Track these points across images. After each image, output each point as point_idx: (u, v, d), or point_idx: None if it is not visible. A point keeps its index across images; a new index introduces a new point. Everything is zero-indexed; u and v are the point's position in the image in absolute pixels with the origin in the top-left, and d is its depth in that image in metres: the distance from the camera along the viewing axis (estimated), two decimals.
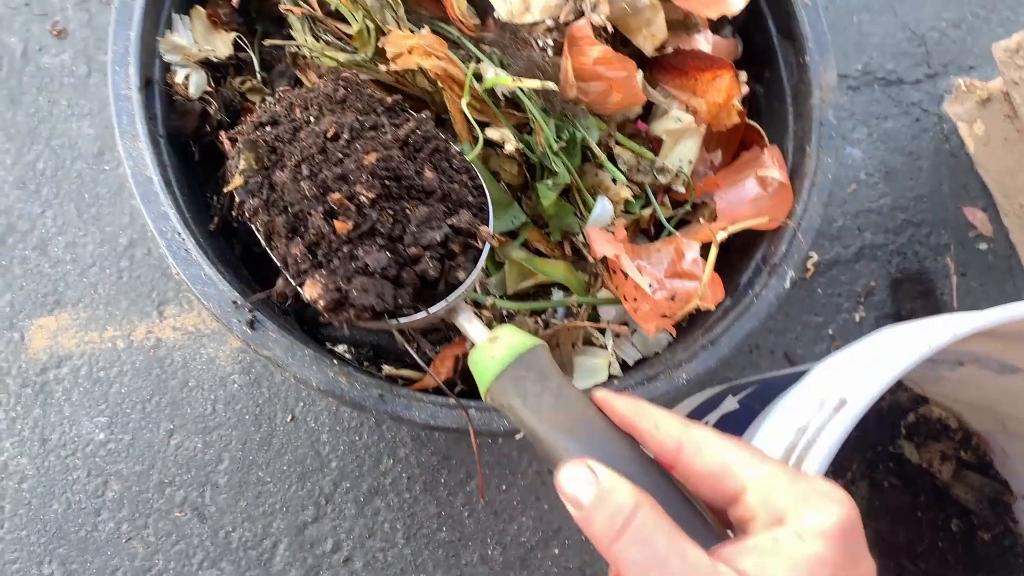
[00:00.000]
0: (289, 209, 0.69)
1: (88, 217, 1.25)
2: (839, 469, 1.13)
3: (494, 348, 0.59)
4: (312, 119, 0.72)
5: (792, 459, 0.76)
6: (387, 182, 0.68)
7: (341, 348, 0.89)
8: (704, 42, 0.88)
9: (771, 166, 0.88)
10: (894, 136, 1.45)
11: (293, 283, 0.69)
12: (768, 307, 0.83)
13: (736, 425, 0.99)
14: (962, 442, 1.16)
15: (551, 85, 0.76)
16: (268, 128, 0.73)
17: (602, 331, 0.87)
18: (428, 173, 0.70)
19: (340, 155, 0.68)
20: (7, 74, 1.28)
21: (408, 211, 0.68)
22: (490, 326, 0.66)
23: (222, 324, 0.77)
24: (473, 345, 0.64)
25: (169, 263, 0.78)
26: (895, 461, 1.15)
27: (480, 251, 0.70)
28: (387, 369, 0.88)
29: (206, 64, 0.88)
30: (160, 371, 1.22)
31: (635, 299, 0.80)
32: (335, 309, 0.66)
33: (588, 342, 0.87)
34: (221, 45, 0.89)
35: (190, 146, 0.87)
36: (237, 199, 0.71)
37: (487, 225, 0.72)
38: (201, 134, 0.86)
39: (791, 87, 0.92)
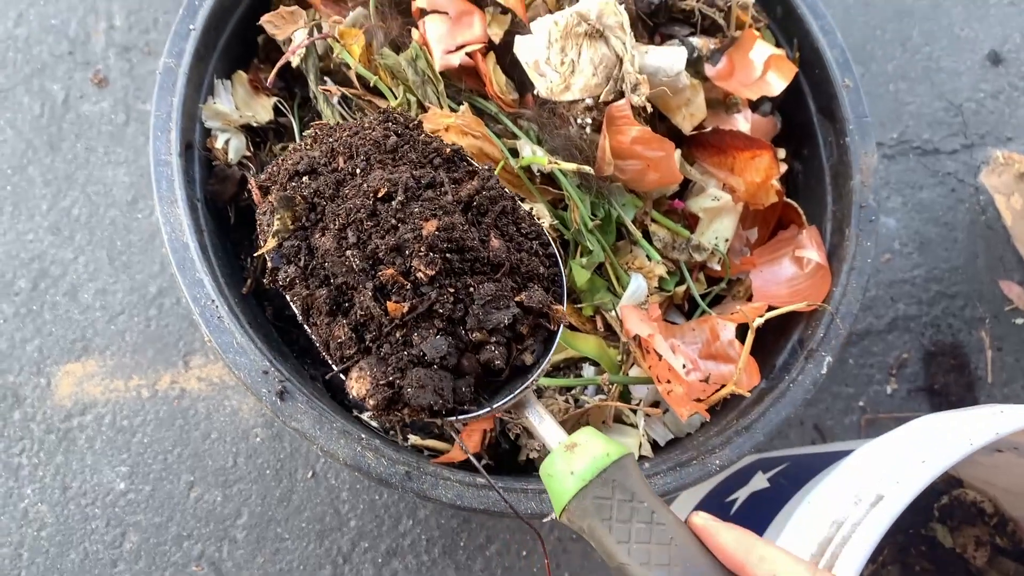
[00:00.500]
0: (331, 281, 0.61)
1: (119, 264, 1.25)
2: (872, 554, 1.10)
3: (573, 459, 0.52)
4: (358, 171, 0.64)
5: (827, 554, 0.74)
6: (448, 255, 0.58)
7: (367, 415, 0.89)
8: (743, 121, 0.88)
9: (809, 247, 0.87)
10: (929, 206, 1.43)
11: (335, 369, 0.62)
12: (804, 393, 0.81)
13: (766, 506, 0.97)
14: (998, 527, 1.13)
15: (587, 169, 0.76)
16: (306, 180, 0.64)
17: (633, 410, 0.86)
18: (495, 242, 0.61)
19: (393, 220, 0.59)
20: (48, 120, 1.29)
21: (471, 288, 0.59)
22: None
23: (252, 393, 0.77)
24: (543, 448, 0.59)
25: (202, 331, 0.78)
26: (927, 545, 1.12)
27: (552, 332, 0.63)
28: (413, 439, 0.87)
29: (246, 128, 0.89)
30: (183, 422, 1.21)
31: (668, 381, 0.79)
32: (387, 409, 0.57)
33: (618, 419, 0.86)
34: (261, 110, 0.89)
35: (226, 209, 0.88)
36: (270, 264, 0.63)
37: (561, 301, 0.64)
38: (239, 199, 0.86)
39: (830, 167, 0.91)
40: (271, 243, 0.63)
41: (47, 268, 1.24)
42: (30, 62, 1.31)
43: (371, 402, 0.57)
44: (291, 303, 0.64)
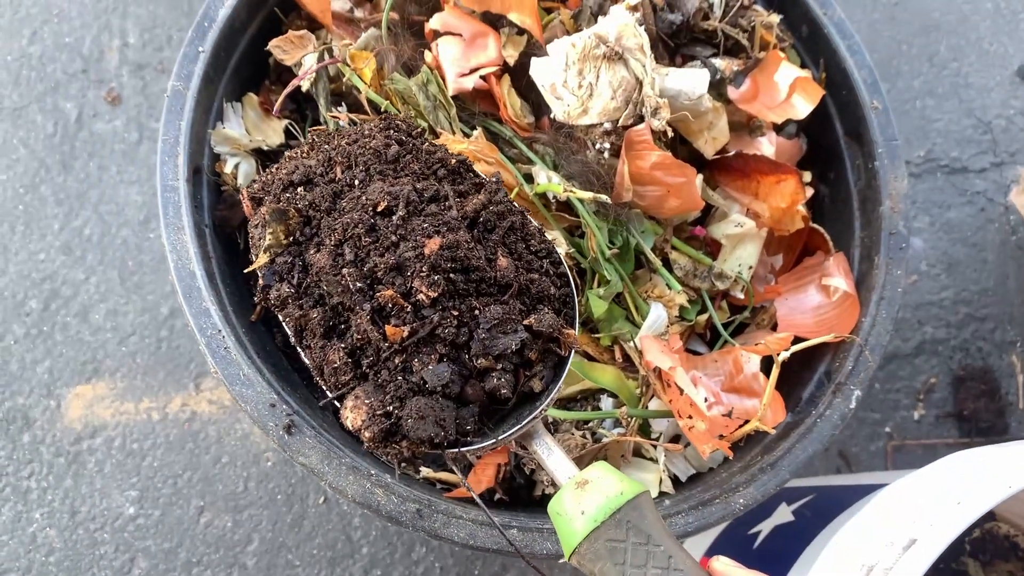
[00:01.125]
0: (326, 301, 0.58)
1: (131, 285, 1.24)
2: None
3: (584, 497, 0.49)
4: (357, 182, 0.61)
5: None
6: (452, 275, 0.55)
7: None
8: (768, 144, 0.85)
9: (836, 274, 0.84)
10: (958, 226, 1.40)
11: (330, 396, 0.59)
12: (832, 429, 0.78)
13: (792, 541, 0.94)
14: None
15: (604, 198, 0.73)
16: (301, 191, 0.61)
17: (653, 444, 0.83)
18: (502, 261, 0.58)
19: (394, 237, 0.56)
20: (60, 139, 1.28)
21: (477, 311, 0.56)
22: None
23: (258, 427, 0.74)
24: (550, 483, 0.56)
25: (208, 362, 0.76)
26: None
27: (563, 358, 0.59)
28: (425, 471, 0.85)
29: (256, 152, 0.87)
30: (193, 445, 1.20)
31: (690, 416, 0.76)
32: (384, 441, 0.54)
33: (637, 453, 0.83)
34: (272, 133, 0.87)
35: (236, 234, 0.85)
36: (261, 282, 0.60)
37: (572, 324, 0.61)
38: (246, 226, 0.84)
39: (858, 191, 0.88)
40: (262, 259, 0.60)
41: (58, 289, 1.23)
42: (44, 80, 1.30)
43: (367, 434, 0.54)
44: (283, 323, 0.61)
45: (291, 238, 0.59)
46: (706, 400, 0.77)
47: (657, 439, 0.81)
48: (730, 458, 0.80)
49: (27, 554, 1.14)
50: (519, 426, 0.56)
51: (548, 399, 0.57)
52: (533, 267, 0.61)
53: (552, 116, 0.78)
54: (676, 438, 0.83)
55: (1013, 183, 1.42)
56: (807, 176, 0.91)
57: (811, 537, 0.90)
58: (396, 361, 0.56)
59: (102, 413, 1.20)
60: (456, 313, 0.56)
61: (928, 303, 1.36)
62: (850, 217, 0.88)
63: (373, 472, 0.74)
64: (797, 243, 0.90)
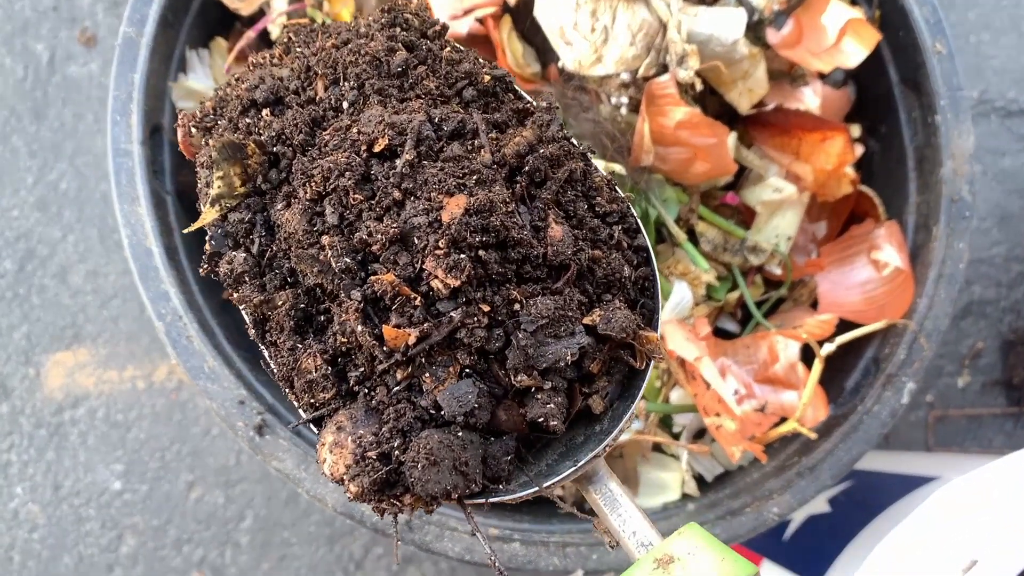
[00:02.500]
0: (299, 281, 0.42)
1: (111, 244, 1.15)
2: None
3: None
4: (345, 105, 0.43)
5: None
6: (483, 252, 0.39)
7: None
8: (812, 96, 0.73)
9: (887, 247, 0.74)
10: (1012, 175, 1.27)
11: (303, 416, 0.42)
12: (881, 427, 0.69)
13: (830, 537, 0.85)
14: None
15: (619, 168, 0.62)
16: (266, 115, 0.44)
17: (676, 436, 0.74)
18: (556, 230, 0.41)
19: (397, 193, 0.39)
20: (32, 85, 1.18)
21: (517, 306, 0.40)
22: None
23: (227, 427, 0.66)
24: (614, 547, 0.40)
25: (168, 352, 0.67)
26: None
27: (637, 372, 0.43)
28: None
29: None
30: (181, 416, 1.12)
31: (717, 414, 0.66)
32: (378, 496, 0.39)
33: (657, 447, 0.74)
34: None
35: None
36: (208, 246, 0.44)
37: (652, 322, 0.44)
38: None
39: (915, 149, 0.77)
40: (208, 214, 0.44)
41: (34, 248, 1.14)
42: (11, 19, 1.19)
43: (352, 488, 0.38)
44: (240, 308, 0.44)
45: (251, 185, 0.43)
46: (736, 393, 0.68)
47: (679, 435, 0.72)
48: (763, 462, 0.71)
49: (9, 531, 1.08)
50: (575, 468, 0.40)
51: (617, 429, 0.41)
52: (599, 237, 0.44)
53: (560, 65, 0.67)
54: (701, 432, 0.74)
55: None
56: (855, 130, 0.79)
57: (851, 534, 0.82)
58: (398, 376, 0.40)
59: (84, 382, 1.12)
60: (487, 308, 0.39)
61: (977, 260, 1.25)
62: (904, 179, 0.77)
63: None
64: (843, 209, 0.79)
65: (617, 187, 0.47)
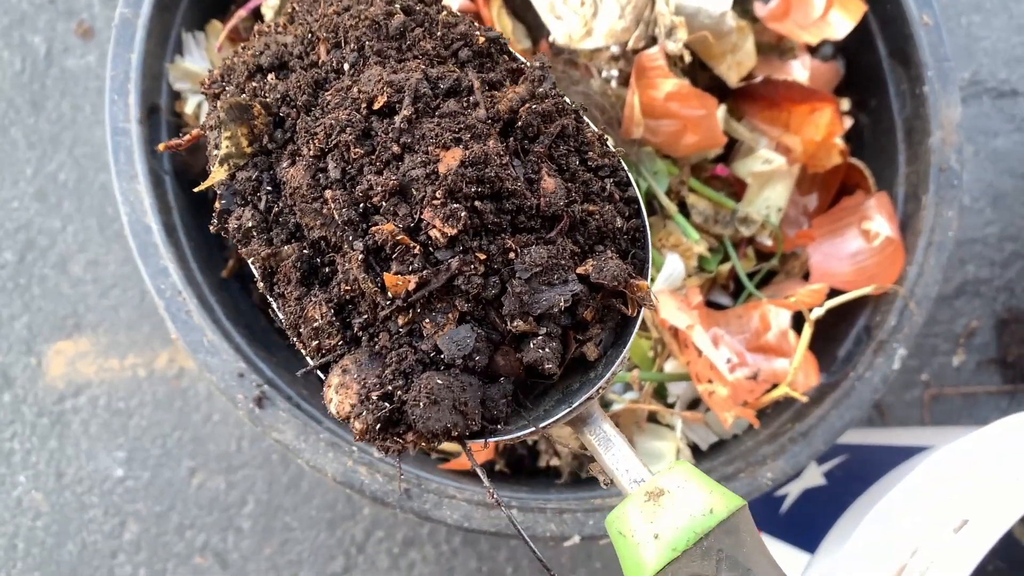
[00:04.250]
0: (304, 235, 0.44)
1: (111, 233, 1.16)
2: None
3: (659, 515, 0.37)
4: (346, 66, 0.45)
5: None
6: (479, 203, 0.41)
7: None
8: (800, 68, 0.74)
9: (878, 217, 0.74)
10: (1005, 155, 1.28)
11: (310, 363, 0.44)
12: (873, 393, 0.70)
13: (824, 508, 0.86)
14: None
15: (610, 141, 0.63)
16: (272, 79, 0.46)
17: (670, 406, 0.75)
18: (549, 182, 0.43)
19: (396, 147, 0.42)
20: (30, 77, 1.19)
21: (512, 254, 0.42)
22: None
23: (227, 399, 0.67)
24: (608, 485, 0.42)
25: (168, 327, 0.68)
26: (1001, 541, 1.00)
27: (627, 319, 0.44)
28: None
29: None
30: (183, 403, 1.13)
31: (710, 380, 0.67)
32: (381, 433, 0.41)
33: (652, 418, 0.75)
34: None
35: (200, 181, 0.77)
36: (218, 204, 0.46)
37: (643, 271, 0.45)
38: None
39: (903, 121, 0.77)
40: (218, 173, 0.45)
41: (34, 239, 1.15)
42: (8, 12, 1.20)
43: (357, 424, 0.40)
44: (250, 264, 0.46)
45: (257, 145, 0.45)
46: (728, 361, 0.68)
47: (673, 405, 0.73)
48: (756, 427, 0.72)
49: (13, 519, 1.09)
50: (569, 409, 0.42)
51: (609, 372, 0.43)
52: (591, 190, 0.46)
53: (551, 39, 0.68)
54: (696, 402, 0.74)
55: None
56: (845, 104, 0.80)
57: (845, 504, 0.83)
58: (399, 322, 0.42)
59: (85, 370, 1.13)
60: (483, 257, 0.41)
61: (971, 240, 1.25)
62: (894, 151, 0.78)
63: (356, 448, 0.66)
64: (833, 181, 0.79)
65: (608, 141, 0.48)
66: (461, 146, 0.41)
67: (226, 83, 0.48)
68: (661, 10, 0.64)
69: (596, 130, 0.47)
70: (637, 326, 0.44)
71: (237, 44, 0.75)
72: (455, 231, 0.40)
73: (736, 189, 0.77)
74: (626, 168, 0.47)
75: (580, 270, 0.42)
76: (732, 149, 0.78)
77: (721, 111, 0.72)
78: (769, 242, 0.76)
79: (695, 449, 0.74)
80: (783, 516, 0.92)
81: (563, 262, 0.42)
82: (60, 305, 1.14)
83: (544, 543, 1.03)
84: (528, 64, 0.47)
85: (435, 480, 0.66)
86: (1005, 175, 1.28)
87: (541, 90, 0.45)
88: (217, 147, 0.45)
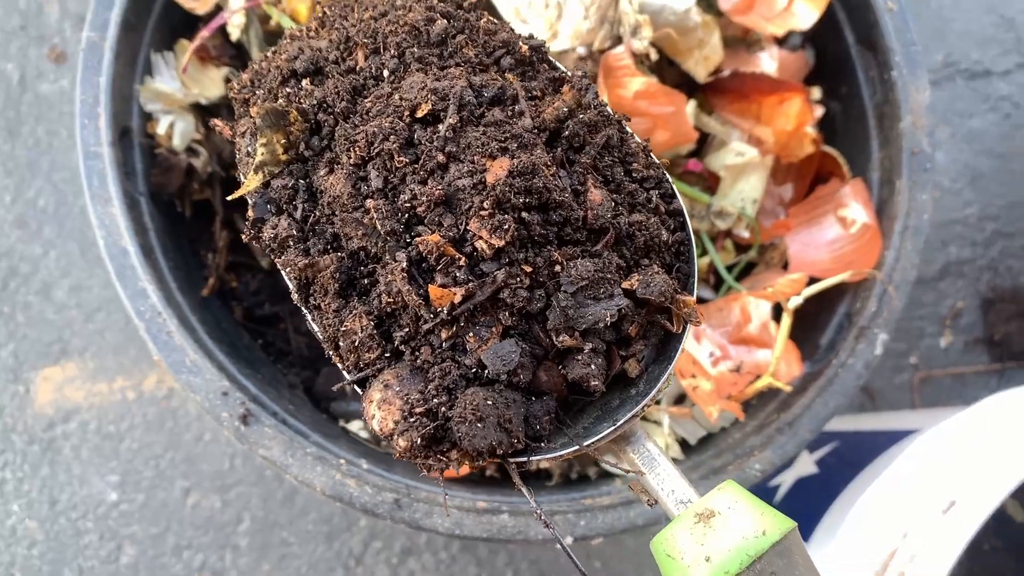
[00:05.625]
0: (344, 245, 0.43)
1: (92, 257, 1.15)
2: None
3: (709, 538, 0.36)
4: (387, 73, 0.44)
5: (892, 572, 0.63)
6: (526, 214, 0.40)
7: (356, 425, 0.78)
8: (768, 60, 0.74)
9: (853, 204, 0.75)
10: (981, 136, 1.28)
11: (347, 379, 0.43)
12: (856, 379, 0.70)
13: (816, 495, 0.86)
14: None
15: None
16: (307, 85, 0.45)
17: (657, 402, 0.75)
18: (595, 194, 0.42)
19: (441, 156, 0.41)
20: (4, 104, 1.18)
21: (559, 267, 0.41)
22: None
23: (212, 418, 0.67)
24: (652, 505, 0.41)
25: (149, 348, 0.68)
26: (996, 520, 1.00)
27: (672, 336, 0.43)
28: None
29: (195, 108, 0.77)
30: (173, 423, 1.13)
31: (693, 375, 0.67)
32: (425, 451, 0.40)
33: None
34: (211, 84, 0.77)
35: (177, 202, 0.77)
36: (251, 213, 0.45)
37: (688, 287, 0.45)
38: (189, 191, 0.75)
39: (874, 107, 0.78)
40: (252, 181, 0.44)
41: (16, 266, 1.15)
42: None
43: (401, 442, 0.39)
44: (283, 275, 0.45)
45: (293, 152, 0.44)
46: (711, 355, 0.68)
47: (660, 401, 0.73)
48: (741, 420, 0.72)
49: (8, 548, 1.09)
50: (614, 427, 0.41)
51: (655, 390, 0.42)
52: (637, 202, 0.45)
53: None
54: (682, 397, 0.74)
55: None
56: (816, 93, 0.81)
57: (837, 491, 0.83)
58: (443, 336, 0.41)
59: (74, 396, 1.13)
60: (529, 269, 0.40)
61: (952, 221, 1.26)
62: (866, 137, 0.78)
63: (343, 460, 0.66)
64: (808, 170, 0.80)
65: (652, 153, 0.48)
66: (508, 156, 0.40)
67: (257, 88, 0.47)
68: (625, 9, 0.64)
69: (640, 141, 0.47)
70: (683, 343, 0.43)
71: (207, 63, 0.76)
72: (502, 243, 0.39)
73: (710, 183, 0.77)
74: (671, 180, 0.47)
75: (626, 284, 0.42)
76: (704, 143, 0.78)
77: (691, 106, 0.72)
78: (746, 234, 0.77)
79: (684, 444, 0.74)
80: (778, 506, 0.92)
81: (609, 276, 0.41)
82: (45, 331, 1.14)
83: (540, 546, 1.03)
84: (570, 73, 0.46)
85: (424, 488, 0.66)
86: (982, 155, 1.28)
87: (586, 99, 0.44)
88: (250, 154, 0.44)
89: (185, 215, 0.77)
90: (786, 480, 0.93)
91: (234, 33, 0.71)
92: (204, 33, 0.66)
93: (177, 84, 0.76)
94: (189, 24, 0.80)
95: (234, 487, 1.11)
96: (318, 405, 0.79)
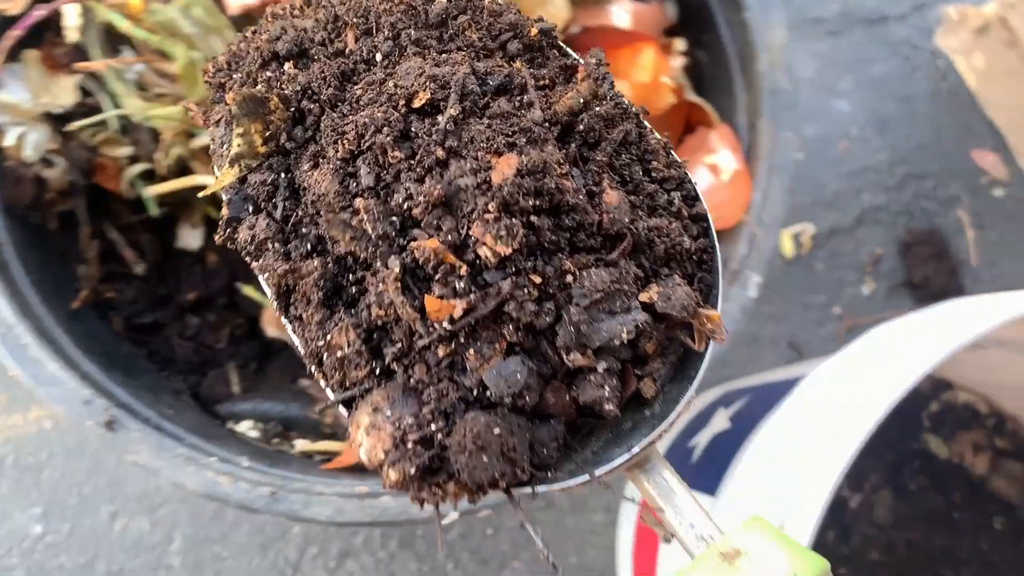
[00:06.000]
0: (329, 250, 0.38)
1: None
2: (856, 481, 0.99)
3: None
4: (379, 57, 0.40)
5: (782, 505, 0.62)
6: (535, 218, 0.35)
7: (245, 426, 0.77)
8: (621, 12, 0.73)
9: (722, 149, 0.74)
10: (884, 81, 1.29)
11: (332, 398, 0.38)
12: (733, 324, 0.69)
13: (727, 449, 0.85)
14: (996, 428, 1.01)
15: None
16: (289, 68, 0.40)
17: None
18: (611, 196, 0.38)
19: (440, 152, 0.36)
20: None
21: (570, 277, 0.36)
22: None
23: (76, 427, 0.65)
24: (669, 540, 0.37)
25: (6, 363, 0.66)
26: (921, 459, 1.00)
27: (693, 353, 0.39)
28: (300, 444, 0.76)
29: (47, 117, 0.75)
30: (95, 448, 1.11)
31: None
32: (420, 484, 0.35)
33: None
34: (62, 92, 0.75)
35: (37, 214, 0.75)
36: (225, 211, 0.40)
37: (711, 299, 0.41)
38: (44, 203, 0.73)
39: (736, 52, 0.77)
40: (228, 175, 0.39)
41: None
42: None
43: (392, 474, 0.35)
44: (261, 281, 0.40)
45: (273, 144, 0.39)
46: None
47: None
48: None
49: None
50: (630, 455, 0.37)
51: (674, 413, 0.38)
52: (657, 204, 0.40)
53: None
54: None
55: (937, 25, 1.30)
56: (680, 44, 0.80)
57: (744, 442, 0.82)
58: (440, 353, 0.36)
59: None
60: (538, 280, 0.35)
61: (863, 169, 1.26)
62: (730, 82, 0.78)
63: (215, 459, 0.65)
64: (676, 121, 0.79)
65: (673, 151, 0.43)
66: (516, 152, 0.36)
67: (233, 71, 0.42)
68: None
69: (660, 137, 0.42)
70: (705, 361, 0.38)
71: (57, 71, 0.74)
72: (509, 250, 0.34)
73: None
74: (693, 181, 0.42)
75: (644, 297, 0.37)
76: None
77: None
78: None
79: None
80: (694, 466, 0.91)
81: (626, 288, 0.37)
82: None
83: (480, 535, 1.02)
84: (584, 60, 0.42)
85: (299, 478, 0.65)
86: (888, 100, 1.28)
87: (603, 90, 0.40)
88: (224, 145, 0.39)
89: (48, 228, 0.75)
90: (702, 440, 0.92)
91: (71, 35, 0.69)
92: (16, 32, 0.64)
93: (28, 95, 0.74)
94: (35, 33, 0.78)
95: (162, 506, 1.09)
96: (206, 408, 0.78)
